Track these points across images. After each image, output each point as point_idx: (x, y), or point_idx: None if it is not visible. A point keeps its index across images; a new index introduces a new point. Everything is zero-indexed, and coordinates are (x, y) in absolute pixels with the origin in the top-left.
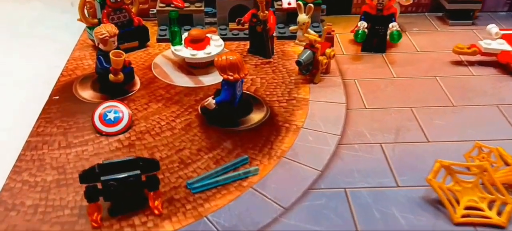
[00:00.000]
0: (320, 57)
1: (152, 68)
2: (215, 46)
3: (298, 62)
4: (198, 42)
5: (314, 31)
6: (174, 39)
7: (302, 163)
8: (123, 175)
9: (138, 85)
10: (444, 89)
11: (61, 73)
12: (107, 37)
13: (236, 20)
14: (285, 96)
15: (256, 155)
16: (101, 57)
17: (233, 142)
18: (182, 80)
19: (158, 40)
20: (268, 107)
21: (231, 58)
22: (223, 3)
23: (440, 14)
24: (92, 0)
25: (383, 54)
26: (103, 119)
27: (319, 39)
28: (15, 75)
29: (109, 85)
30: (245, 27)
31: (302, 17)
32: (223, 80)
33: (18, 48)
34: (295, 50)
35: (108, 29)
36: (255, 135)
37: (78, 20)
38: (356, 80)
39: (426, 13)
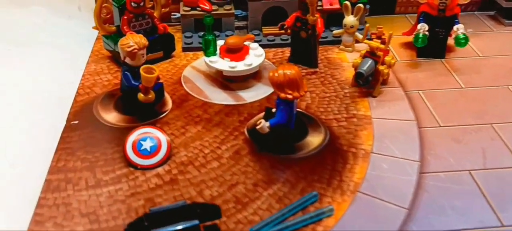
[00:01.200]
0: (381, 67)
1: (183, 83)
2: (255, 55)
3: (359, 74)
4: (236, 52)
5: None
6: (207, 49)
7: (383, 199)
8: (179, 227)
9: (169, 104)
10: None
11: (76, 92)
12: (136, 50)
13: (279, 25)
14: (342, 114)
15: (325, 190)
16: (128, 74)
17: (294, 173)
18: (220, 96)
19: (184, 49)
20: (326, 128)
21: (289, 74)
22: (256, 5)
23: (492, 12)
24: (109, 4)
25: (443, 60)
26: (138, 149)
27: (382, 46)
28: (21, 94)
29: (138, 106)
30: (287, 33)
31: (349, 19)
32: (278, 99)
33: (21, 61)
34: (341, 56)
35: (136, 40)
36: (318, 164)
37: (93, 28)
38: (420, 91)
39: (476, 12)
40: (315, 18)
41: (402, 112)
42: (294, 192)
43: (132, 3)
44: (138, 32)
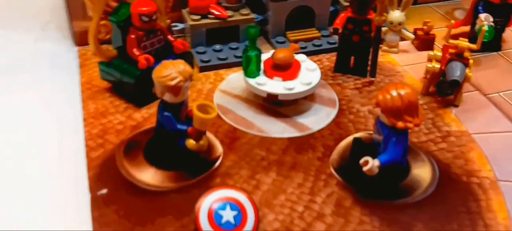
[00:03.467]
0: (467, 71)
1: (221, 115)
2: (308, 70)
3: (454, 83)
4: (287, 69)
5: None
6: (249, 67)
7: None
8: None
9: (218, 147)
10: None
11: (85, 144)
12: (182, 82)
13: (331, 30)
14: (434, 133)
15: None
16: (170, 116)
17: (425, 223)
18: (276, 128)
19: (202, 69)
20: (427, 155)
21: (405, 95)
22: (279, 6)
23: None
24: (108, 22)
25: (500, 52)
26: (218, 223)
27: (473, 46)
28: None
29: (180, 156)
30: (336, 35)
31: (395, 15)
32: (387, 130)
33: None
34: (389, 60)
35: (179, 69)
36: (445, 206)
37: (93, 54)
38: (501, 93)
39: None
40: (383, 18)
41: (498, 122)
42: None
43: (143, 17)
44: (149, 53)
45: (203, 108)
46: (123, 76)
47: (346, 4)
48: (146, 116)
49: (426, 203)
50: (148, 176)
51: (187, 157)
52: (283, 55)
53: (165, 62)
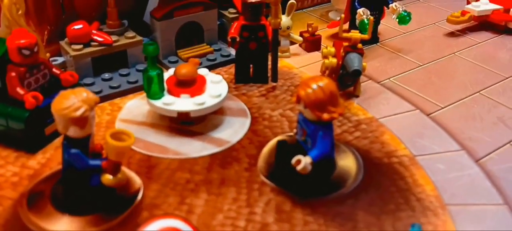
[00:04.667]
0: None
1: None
2: (213, 82)
3: (356, 72)
4: (192, 84)
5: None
6: (150, 88)
7: (475, 203)
8: None
9: (137, 180)
10: (478, 64)
11: None
12: (88, 112)
13: (229, 41)
14: (346, 123)
15: (415, 217)
16: (78, 153)
17: (365, 210)
18: (193, 147)
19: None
20: (347, 146)
21: (324, 86)
22: (166, 25)
23: None
24: None
25: (378, 44)
26: None
27: (365, 37)
28: None
29: (99, 196)
30: (235, 47)
31: (282, 20)
32: (312, 125)
33: None
34: (284, 64)
35: (82, 97)
36: (379, 190)
37: None
38: (391, 79)
39: None
40: (279, 20)
41: (398, 105)
42: None
43: (23, 50)
44: (35, 91)
45: (116, 136)
46: (9, 122)
47: (232, 15)
48: (43, 161)
49: (360, 191)
50: (63, 225)
51: (103, 196)
52: (187, 70)
53: (63, 93)
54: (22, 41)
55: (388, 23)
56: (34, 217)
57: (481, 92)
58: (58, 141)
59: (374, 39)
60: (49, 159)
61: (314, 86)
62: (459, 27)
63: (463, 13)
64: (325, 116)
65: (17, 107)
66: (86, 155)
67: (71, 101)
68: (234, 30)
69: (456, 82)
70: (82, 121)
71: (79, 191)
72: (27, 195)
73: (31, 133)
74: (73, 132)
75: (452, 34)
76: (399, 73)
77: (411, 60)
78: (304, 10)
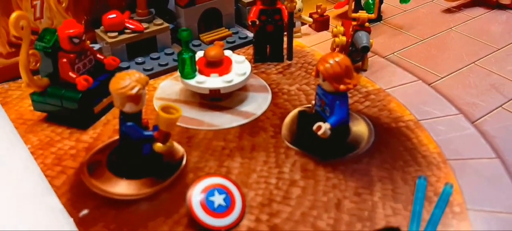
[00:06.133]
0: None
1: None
2: (237, 62)
3: (365, 48)
4: (220, 65)
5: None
6: (184, 69)
7: (472, 157)
8: None
9: (180, 149)
10: (473, 37)
11: (45, 175)
12: (142, 90)
13: (249, 23)
14: (357, 95)
15: (422, 170)
16: (133, 125)
17: (378, 167)
18: (225, 119)
19: None
20: (358, 114)
21: (340, 61)
22: (189, 12)
23: None
24: (35, 51)
25: (381, 22)
26: (211, 208)
27: (372, 16)
28: None
29: (146, 162)
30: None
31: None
32: (330, 95)
33: None
34: (296, 43)
35: (136, 77)
36: (389, 149)
37: (26, 86)
38: (395, 53)
39: None
40: (294, 4)
41: (402, 77)
42: (398, 184)
43: (74, 39)
44: (83, 74)
45: (166, 110)
46: (64, 102)
47: (248, 0)
48: (95, 136)
49: (373, 151)
50: (123, 188)
51: (153, 162)
52: (215, 52)
53: (119, 74)
54: (72, 30)
55: (390, 2)
56: (96, 182)
57: (476, 62)
58: (104, 118)
59: (378, 17)
60: (100, 134)
61: (332, 61)
62: (454, 4)
63: None
64: (342, 86)
65: (70, 90)
66: (140, 127)
67: (127, 82)
68: (253, 14)
69: (453, 54)
70: (137, 98)
71: (133, 158)
72: (86, 164)
73: (83, 112)
74: (128, 107)
75: (448, 10)
76: (402, 48)
77: (412, 36)
78: None
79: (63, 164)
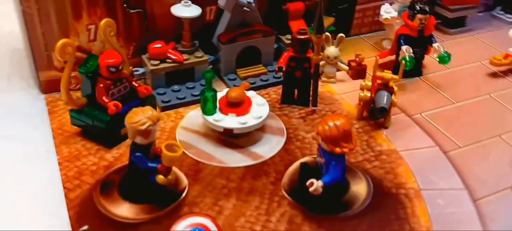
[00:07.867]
0: (393, 97)
1: (184, 150)
2: (257, 105)
3: (382, 109)
4: (240, 105)
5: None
6: (206, 106)
7: None
8: None
9: (184, 179)
10: (509, 106)
11: (63, 186)
12: (151, 126)
13: (276, 68)
14: (369, 152)
15: None
16: (141, 156)
17: None
18: (235, 158)
19: (163, 109)
20: (363, 173)
21: (340, 124)
22: (229, 48)
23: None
24: (77, 73)
25: (421, 77)
26: None
27: (396, 77)
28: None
29: (150, 190)
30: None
31: (331, 50)
32: (328, 155)
33: None
34: (328, 89)
35: (148, 115)
36: (380, 215)
37: (65, 103)
38: (422, 114)
39: None
40: (320, 57)
41: (421, 140)
42: None
43: (111, 68)
44: (116, 99)
45: (170, 147)
46: (95, 122)
47: (288, 41)
48: (117, 156)
49: (364, 213)
50: (124, 210)
51: (157, 190)
52: (236, 94)
53: (135, 110)
54: (111, 60)
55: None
56: (103, 200)
57: (501, 136)
58: (129, 141)
59: (418, 72)
60: (122, 154)
61: (331, 124)
62: (503, 68)
63: (506, 56)
64: (338, 149)
65: (101, 112)
66: (147, 158)
67: (139, 117)
68: (283, 60)
69: (481, 123)
70: (146, 133)
71: (139, 184)
72: (101, 182)
73: (110, 133)
74: (139, 140)
75: (494, 75)
76: (431, 109)
77: (447, 97)
78: (361, 35)
79: (82, 178)
